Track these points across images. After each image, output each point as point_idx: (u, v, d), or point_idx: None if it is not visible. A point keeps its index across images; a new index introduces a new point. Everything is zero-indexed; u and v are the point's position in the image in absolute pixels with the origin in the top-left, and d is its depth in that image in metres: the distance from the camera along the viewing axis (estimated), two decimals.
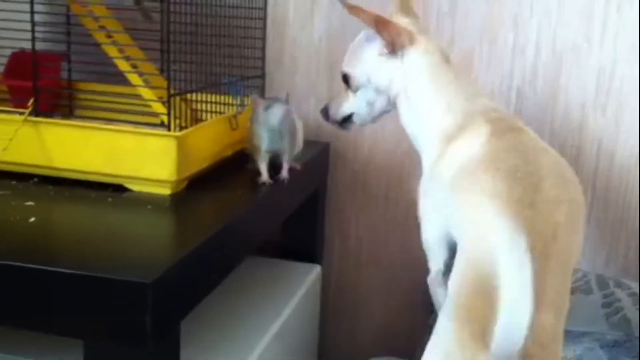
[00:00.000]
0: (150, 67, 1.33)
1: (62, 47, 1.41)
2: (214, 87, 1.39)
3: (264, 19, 1.49)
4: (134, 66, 1.32)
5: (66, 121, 1.27)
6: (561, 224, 0.92)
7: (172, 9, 1.18)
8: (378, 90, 1.17)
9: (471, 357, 0.82)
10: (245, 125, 1.33)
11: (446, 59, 1.15)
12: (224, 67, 1.41)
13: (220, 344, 1.25)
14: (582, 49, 1.53)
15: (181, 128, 1.24)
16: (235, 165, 1.35)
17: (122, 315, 0.87)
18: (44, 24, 1.28)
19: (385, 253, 1.72)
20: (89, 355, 0.90)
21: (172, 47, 1.19)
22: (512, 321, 0.82)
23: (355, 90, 1.20)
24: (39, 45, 1.23)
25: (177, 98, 1.27)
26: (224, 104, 1.39)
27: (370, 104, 1.19)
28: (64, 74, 1.49)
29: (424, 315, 1.39)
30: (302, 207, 1.52)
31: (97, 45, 1.32)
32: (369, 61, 1.16)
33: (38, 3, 1.21)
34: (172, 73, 1.20)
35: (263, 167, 1.29)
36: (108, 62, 1.31)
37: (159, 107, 1.28)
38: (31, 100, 1.21)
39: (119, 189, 1.20)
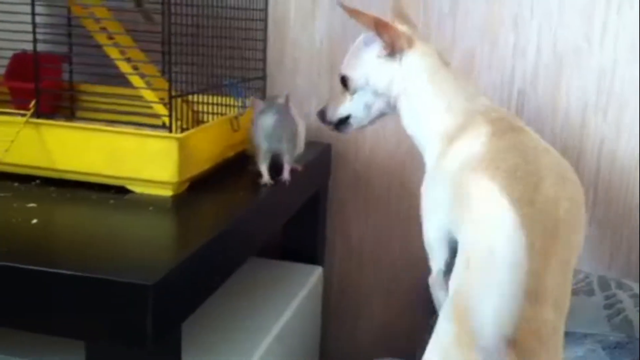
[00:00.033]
0: (151, 69, 1.33)
1: (63, 49, 1.41)
2: (215, 88, 1.39)
3: (265, 20, 1.49)
4: (135, 68, 1.33)
5: (68, 123, 1.27)
6: (561, 222, 0.93)
7: (173, 10, 1.18)
8: (376, 93, 1.18)
9: (469, 357, 0.82)
10: (247, 127, 1.33)
11: (444, 61, 1.16)
12: (225, 69, 1.41)
13: (221, 346, 1.25)
14: (583, 50, 1.53)
15: (182, 129, 1.24)
16: (236, 167, 1.35)
17: (123, 317, 0.87)
18: (45, 25, 1.28)
19: (387, 254, 1.72)
20: (90, 357, 0.90)
21: (173, 49, 1.19)
22: (498, 314, 0.83)
23: (353, 93, 1.20)
24: (40, 47, 1.23)
25: (179, 99, 1.27)
26: (226, 105, 1.39)
27: (368, 107, 1.20)
28: (66, 76, 1.49)
29: (425, 316, 1.39)
30: (304, 209, 1.52)
31: (99, 47, 1.32)
32: (367, 63, 1.17)
33: (39, 5, 1.21)
34: (173, 75, 1.20)
35: (264, 168, 1.29)
36: (109, 63, 1.31)
37: (160, 109, 1.28)
38: (33, 102, 1.21)
39: (121, 190, 1.20)
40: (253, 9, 1.46)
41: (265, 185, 1.27)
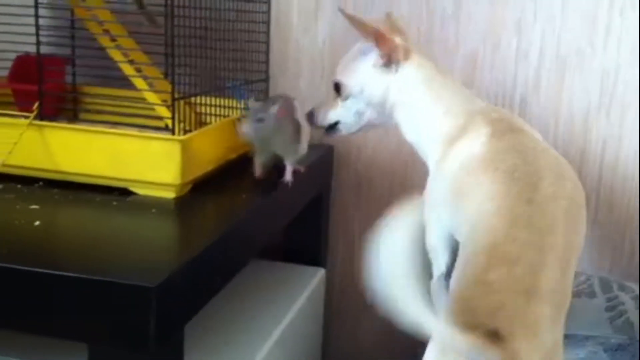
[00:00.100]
0: (154, 71, 1.33)
1: (66, 51, 1.41)
2: (218, 90, 1.39)
3: (267, 22, 1.49)
4: (138, 70, 1.33)
5: (71, 125, 1.27)
6: (559, 220, 0.93)
7: (176, 13, 1.19)
8: (369, 102, 1.18)
9: (464, 352, 0.82)
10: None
11: (440, 70, 1.17)
12: (228, 71, 1.41)
13: (223, 348, 1.25)
14: (586, 53, 1.53)
15: (185, 132, 1.24)
16: (239, 169, 1.35)
17: (126, 319, 0.87)
18: (48, 28, 1.28)
19: None
20: (93, 359, 0.90)
21: (176, 51, 1.19)
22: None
23: (345, 99, 1.21)
24: (44, 49, 1.24)
25: (182, 102, 1.27)
26: (228, 107, 1.39)
27: (359, 114, 1.21)
28: (69, 78, 1.49)
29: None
30: (306, 210, 1.52)
31: (102, 49, 1.32)
32: (364, 72, 1.17)
33: (42, 7, 1.22)
34: (176, 77, 1.20)
35: (257, 163, 1.30)
36: (112, 66, 1.31)
37: (163, 111, 1.28)
38: (36, 104, 1.21)
39: (124, 192, 1.20)
40: (255, 12, 1.47)
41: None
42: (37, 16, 1.20)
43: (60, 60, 1.44)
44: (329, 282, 1.71)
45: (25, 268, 0.89)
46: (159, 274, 0.88)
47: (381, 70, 1.15)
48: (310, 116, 1.28)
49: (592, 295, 1.35)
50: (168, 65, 1.19)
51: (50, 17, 1.39)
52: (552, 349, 0.87)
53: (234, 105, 1.39)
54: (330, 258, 1.74)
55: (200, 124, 1.37)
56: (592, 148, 1.56)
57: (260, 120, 1.25)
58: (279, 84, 1.65)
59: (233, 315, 1.37)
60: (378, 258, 0.78)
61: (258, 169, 1.30)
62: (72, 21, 1.39)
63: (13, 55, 1.41)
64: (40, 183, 1.22)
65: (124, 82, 1.33)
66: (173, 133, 1.19)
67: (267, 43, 1.49)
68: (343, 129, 1.25)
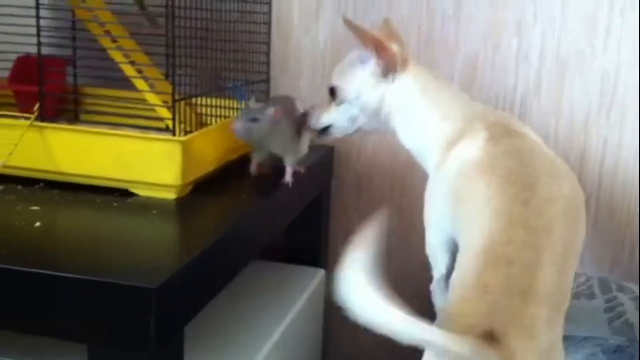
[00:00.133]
0: (155, 72, 1.34)
1: (67, 52, 1.42)
2: (218, 91, 1.39)
3: (268, 23, 1.49)
4: (139, 71, 1.33)
5: (71, 126, 1.27)
6: (556, 221, 0.93)
7: (177, 13, 1.19)
8: (364, 109, 1.18)
9: (462, 356, 0.82)
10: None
11: (437, 77, 1.18)
12: (229, 72, 1.42)
13: (223, 349, 1.25)
14: (586, 55, 1.53)
15: (186, 132, 1.24)
16: (240, 170, 1.35)
17: (126, 320, 0.87)
18: (49, 29, 1.28)
19: (389, 256, 1.72)
20: None
21: (177, 52, 1.19)
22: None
23: (339, 104, 1.21)
24: (45, 50, 1.24)
25: (182, 103, 1.27)
26: (229, 108, 1.39)
27: (352, 120, 1.21)
28: (70, 79, 1.49)
29: (427, 319, 1.39)
30: (306, 211, 1.52)
31: (103, 50, 1.32)
32: (361, 80, 1.17)
33: (43, 8, 1.22)
34: (177, 77, 1.21)
35: (253, 160, 1.32)
36: (113, 67, 1.31)
37: (164, 112, 1.28)
38: (37, 105, 1.21)
39: (124, 193, 1.20)
40: (256, 12, 1.47)
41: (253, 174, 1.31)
42: (38, 17, 1.21)
43: (61, 61, 1.44)
44: (329, 283, 1.71)
45: (26, 269, 0.89)
46: (160, 274, 0.89)
47: (378, 79, 1.16)
48: (304, 117, 1.28)
49: (591, 296, 1.35)
50: (169, 66, 1.19)
51: (51, 18, 1.39)
52: (550, 349, 0.87)
53: (235, 106, 1.40)
54: (330, 259, 1.74)
55: (201, 124, 1.37)
56: (593, 149, 1.56)
57: (253, 120, 1.25)
58: (280, 85, 1.65)
59: (233, 316, 1.37)
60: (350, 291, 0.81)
61: (253, 166, 1.31)
62: (73, 22, 1.39)
63: (14, 56, 1.41)
64: (41, 184, 1.22)
65: (125, 83, 1.34)
66: (174, 134, 1.20)
67: (268, 43, 1.49)
68: (335, 133, 1.25)
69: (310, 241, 1.68)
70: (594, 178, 1.57)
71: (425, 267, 1.14)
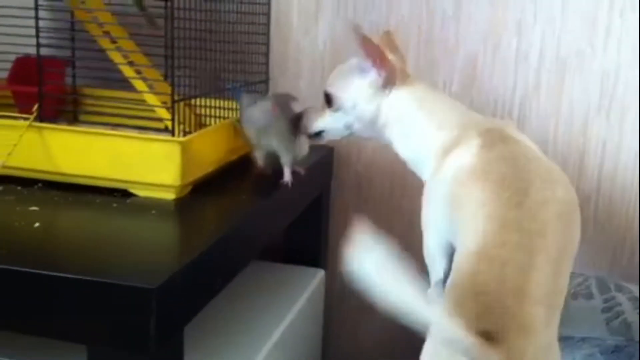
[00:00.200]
0: (154, 73, 1.34)
1: (66, 53, 1.42)
2: (218, 92, 1.39)
3: (267, 24, 1.49)
4: (138, 72, 1.33)
5: (70, 127, 1.27)
6: (550, 223, 0.94)
7: (176, 14, 1.19)
8: (360, 118, 1.19)
9: (460, 357, 0.83)
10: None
11: (434, 87, 1.20)
12: (228, 73, 1.42)
13: (224, 349, 1.25)
14: (586, 55, 1.53)
15: (185, 133, 1.24)
16: (239, 170, 1.35)
17: (126, 321, 0.87)
18: (48, 29, 1.29)
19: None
20: None
21: (176, 53, 1.19)
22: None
23: (334, 111, 1.21)
24: (44, 51, 1.24)
25: (181, 103, 1.27)
26: (228, 109, 1.39)
27: (347, 127, 1.22)
28: (69, 80, 1.49)
29: None
30: (306, 211, 1.52)
31: (102, 51, 1.32)
32: (358, 89, 1.18)
33: (42, 9, 1.22)
34: (176, 78, 1.21)
35: (258, 155, 1.31)
36: (112, 67, 1.31)
37: (163, 113, 1.28)
38: (36, 106, 1.21)
39: (124, 194, 1.20)
40: (256, 13, 1.47)
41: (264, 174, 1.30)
42: (37, 18, 1.21)
43: (60, 62, 1.44)
44: (329, 283, 1.71)
45: (25, 269, 0.89)
46: (159, 275, 0.88)
47: (376, 90, 1.16)
48: (298, 119, 1.28)
49: (589, 296, 1.35)
50: (168, 67, 1.19)
51: (51, 19, 1.39)
52: (545, 349, 0.87)
53: (234, 106, 1.39)
54: (330, 259, 1.74)
55: (200, 125, 1.37)
56: (592, 149, 1.56)
57: (253, 104, 1.27)
58: (279, 86, 1.65)
59: (233, 316, 1.37)
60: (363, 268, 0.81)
61: (260, 160, 1.30)
62: (72, 23, 1.39)
63: (13, 57, 1.41)
64: (40, 185, 1.22)
65: (124, 84, 1.34)
66: (173, 135, 1.20)
67: (267, 44, 1.49)
68: (327, 137, 1.26)
69: (310, 241, 1.68)
70: (594, 178, 1.57)
71: (425, 268, 1.14)
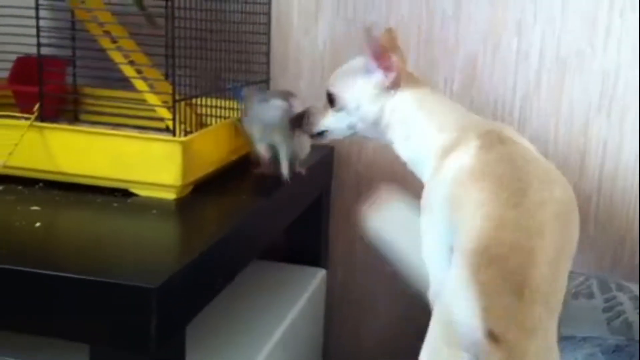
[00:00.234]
0: (155, 73, 1.34)
1: (67, 53, 1.42)
2: (218, 92, 1.39)
3: (268, 24, 1.49)
4: (139, 71, 1.33)
5: (71, 126, 1.27)
6: (548, 223, 0.94)
7: (176, 14, 1.19)
8: (364, 119, 1.18)
9: (458, 356, 0.83)
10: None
11: (434, 90, 1.19)
12: (229, 72, 1.42)
13: (224, 349, 1.25)
14: (586, 55, 1.53)
15: (186, 133, 1.24)
16: (240, 170, 1.35)
17: (127, 320, 0.87)
18: (49, 29, 1.28)
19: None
20: None
21: (176, 53, 1.19)
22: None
23: (337, 110, 1.21)
24: (44, 51, 1.24)
25: (182, 103, 1.27)
26: (229, 108, 1.39)
27: (350, 127, 1.21)
28: (69, 79, 1.49)
29: (428, 320, 1.39)
30: (307, 211, 1.52)
31: (102, 50, 1.32)
32: (363, 90, 1.17)
33: (43, 9, 1.22)
34: (177, 78, 1.21)
35: (262, 150, 1.30)
36: (113, 67, 1.31)
37: (164, 112, 1.28)
38: (36, 106, 1.21)
39: (125, 193, 1.20)
40: (256, 13, 1.47)
41: (265, 175, 1.30)
42: (37, 18, 1.21)
43: (60, 61, 1.44)
44: (329, 283, 1.71)
45: (26, 269, 0.89)
46: (160, 275, 0.89)
47: (381, 91, 1.16)
48: (298, 120, 1.28)
49: (590, 296, 1.35)
50: (168, 66, 1.19)
51: (51, 19, 1.39)
52: (545, 349, 0.88)
53: (235, 106, 1.40)
54: (330, 259, 1.74)
55: (201, 125, 1.37)
56: (592, 149, 1.56)
57: (264, 100, 1.26)
58: (280, 85, 1.65)
59: (234, 316, 1.37)
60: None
61: (265, 152, 1.29)
62: (73, 23, 1.39)
63: (14, 57, 1.41)
64: (41, 184, 1.22)
65: (125, 84, 1.34)
66: (174, 134, 1.20)
67: (268, 44, 1.49)
68: (329, 136, 1.25)
69: (310, 241, 1.68)
70: (594, 177, 1.57)
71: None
